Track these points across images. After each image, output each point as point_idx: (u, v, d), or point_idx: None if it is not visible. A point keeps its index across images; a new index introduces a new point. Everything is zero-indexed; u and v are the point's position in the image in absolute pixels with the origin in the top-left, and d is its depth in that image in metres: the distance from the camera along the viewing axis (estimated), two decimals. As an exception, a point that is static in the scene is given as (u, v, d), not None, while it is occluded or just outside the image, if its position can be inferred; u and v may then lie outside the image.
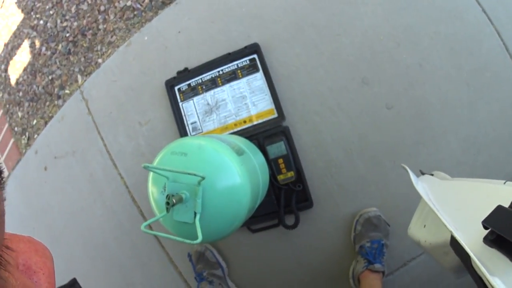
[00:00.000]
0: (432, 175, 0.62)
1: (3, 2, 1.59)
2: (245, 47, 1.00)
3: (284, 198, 1.00)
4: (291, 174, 0.98)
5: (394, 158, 0.99)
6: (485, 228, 0.32)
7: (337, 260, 1.01)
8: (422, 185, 0.53)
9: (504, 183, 0.38)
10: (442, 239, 0.44)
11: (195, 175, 0.55)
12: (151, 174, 0.65)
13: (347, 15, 1.02)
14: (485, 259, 0.30)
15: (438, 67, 1.00)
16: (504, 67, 0.97)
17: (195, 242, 0.54)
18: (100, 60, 1.11)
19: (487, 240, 0.32)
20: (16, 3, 1.51)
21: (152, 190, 0.64)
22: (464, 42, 0.99)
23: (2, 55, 1.49)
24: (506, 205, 0.32)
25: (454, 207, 0.43)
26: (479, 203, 0.34)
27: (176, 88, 1.03)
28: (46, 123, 1.27)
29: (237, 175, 0.63)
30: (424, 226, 0.52)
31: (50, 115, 1.26)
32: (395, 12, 1.02)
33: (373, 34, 1.03)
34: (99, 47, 1.13)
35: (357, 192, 1.00)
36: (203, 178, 0.56)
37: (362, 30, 1.02)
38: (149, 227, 0.58)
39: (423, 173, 0.64)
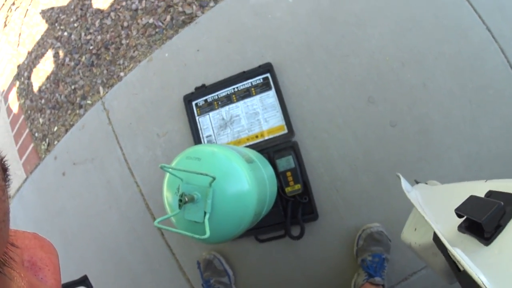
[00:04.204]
0: (426, 183, 0.66)
1: (26, 11, 1.68)
2: (259, 66, 1.06)
3: (291, 209, 1.05)
4: (298, 186, 1.03)
5: (395, 173, 1.03)
6: (459, 216, 0.35)
7: (339, 272, 1.05)
8: (414, 192, 0.58)
9: (485, 181, 0.40)
10: (430, 240, 0.47)
11: (206, 175, 0.61)
12: (166, 176, 0.71)
13: (355, 36, 1.09)
14: (458, 244, 0.33)
15: (442, 86, 1.05)
16: (507, 84, 1.01)
17: (203, 237, 0.60)
18: (122, 74, 1.18)
19: (461, 227, 0.34)
20: (40, 13, 1.59)
21: (167, 191, 0.70)
22: (468, 61, 1.04)
23: (26, 62, 1.57)
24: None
25: (438, 206, 0.47)
26: (459, 199, 0.36)
27: (193, 103, 1.09)
28: (66, 130, 1.34)
29: (246, 181, 0.69)
30: (415, 229, 0.56)
31: (71, 123, 1.33)
32: (401, 33, 1.08)
33: (379, 55, 1.09)
34: (121, 61, 1.20)
35: (361, 206, 1.05)
36: (214, 178, 0.61)
37: (369, 51, 1.08)
38: (163, 224, 0.63)
39: (417, 182, 0.69)
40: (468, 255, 0.29)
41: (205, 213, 0.64)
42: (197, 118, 1.09)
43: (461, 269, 0.31)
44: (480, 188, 0.37)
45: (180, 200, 0.63)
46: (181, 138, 1.11)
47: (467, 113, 1.02)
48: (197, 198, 0.64)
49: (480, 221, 0.30)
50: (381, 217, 1.04)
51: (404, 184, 0.58)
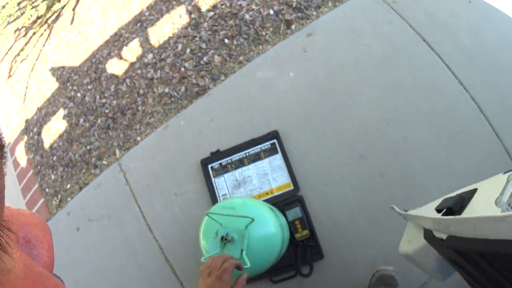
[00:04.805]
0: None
1: (34, 65, 1.74)
2: (268, 134, 1.22)
3: (300, 252, 1.19)
4: (306, 232, 1.18)
5: (388, 215, 1.20)
6: (438, 212, 0.53)
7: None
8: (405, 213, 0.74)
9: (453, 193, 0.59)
10: (421, 243, 0.63)
11: (247, 217, 0.76)
12: (203, 223, 0.86)
13: (347, 104, 1.28)
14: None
15: (420, 138, 1.25)
16: (477, 127, 1.19)
17: (245, 267, 0.73)
18: (138, 138, 1.30)
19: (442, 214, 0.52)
20: (50, 70, 1.67)
21: (204, 235, 0.85)
22: (442, 113, 1.24)
23: (35, 118, 1.63)
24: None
25: (424, 212, 0.63)
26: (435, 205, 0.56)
27: (209, 166, 1.22)
28: (81, 188, 1.41)
29: (272, 225, 0.85)
30: (409, 241, 0.70)
31: (86, 181, 1.40)
32: (385, 97, 1.28)
33: (367, 118, 1.28)
34: (138, 126, 1.31)
35: (359, 245, 1.20)
36: (252, 219, 0.77)
37: (359, 115, 1.28)
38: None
39: (406, 211, 0.87)
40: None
41: (241, 250, 0.78)
42: (213, 179, 1.22)
43: (444, 237, 0.48)
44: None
45: (223, 240, 0.77)
46: (198, 197, 1.23)
47: (443, 157, 1.22)
48: (235, 239, 0.79)
49: (451, 205, 0.50)
50: (375, 251, 1.19)
51: (398, 209, 0.75)
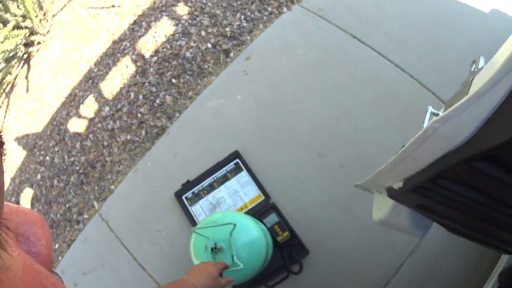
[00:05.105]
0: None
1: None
2: (229, 155, 1.33)
3: (286, 252, 1.30)
4: (286, 234, 1.29)
5: (357, 199, 1.31)
6: None
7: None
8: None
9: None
10: (389, 205, 0.66)
11: (229, 223, 0.86)
12: (192, 239, 0.96)
13: (295, 112, 1.41)
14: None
15: (370, 125, 1.37)
16: (423, 99, 1.30)
17: (239, 268, 0.84)
18: (112, 187, 1.38)
19: None
20: (15, 140, 1.72)
21: (195, 252, 0.95)
22: (386, 97, 1.36)
23: (11, 188, 1.67)
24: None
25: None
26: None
27: (183, 196, 1.32)
28: (69, 245, 1.47)
29: (254, 229, 0.97)
30: (379, 208, 0.73)
31: (72, 238, 1.46)
32: (329, 97, 1.42)
33: (317, 119, 1.42)
34: (109, 176, 1.39)
35: (339, 233, 1.30)
36: (234, 225, 0.87)
37: (308, 119, 1.41)
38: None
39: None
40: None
41: (232, 256, 0.88)
42: (189, 208, 1.32)
43: (401, 185, 0.54)
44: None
45: (213, 250, 0.88)
46: (179, 228, 1.32)
47: (395, 136, 1.33)
48: (223, 248, 0.89)
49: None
50: (355, 234, 1.29)
51: (358, 182, 0.77)
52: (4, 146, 0.17)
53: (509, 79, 0.36)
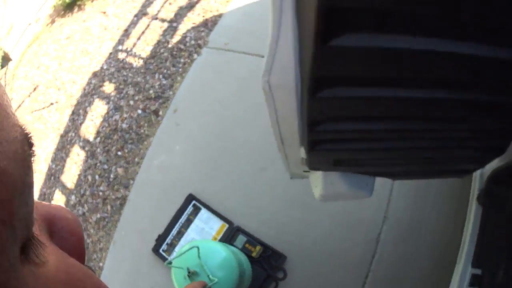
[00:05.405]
0: None
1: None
2: (185, 200, 1.49)
3: (266, 264, 1.44)
4: (258, 248, 1.44)
5: (308, 193, 1.44)
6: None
7: (337, 283, 1.43)
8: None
9: None
10: (321, 179, 0.62)
11: (192, 247, 0.99)
12: (172, 273, 1.06)
13: (233, 140, 1.58)
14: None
15: None
16: None
17: (215, 282, 0.95)
18: (101, 264, 1.53)
19: None
20: None
21: (177, 282, 1.05)
22: None
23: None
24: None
25: None
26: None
27: (160, 250, 1.47)
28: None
29: (222, 250, 1.09)
30: (316, 186, 0.68)
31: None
32: (254, 117, 1.58)
33: (252, 139, 1.58)
34: (95, 256, 1.55)
35: (307, 230, 1.38)
36: (197, 247, 0.99)
37: (243, 142, 1.58)
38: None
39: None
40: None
41: (208, 276, 1.00)
42: (168, 258, 1.47)
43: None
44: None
45: (189, 275, 0.99)
46: (167, 279, 1.47)
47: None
48: (198, 271, 1.01)
49: None
50: (326, 223, 1.38)
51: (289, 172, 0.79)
52: (33, 148, 0.19)
53: (285, 15, 0.39)
